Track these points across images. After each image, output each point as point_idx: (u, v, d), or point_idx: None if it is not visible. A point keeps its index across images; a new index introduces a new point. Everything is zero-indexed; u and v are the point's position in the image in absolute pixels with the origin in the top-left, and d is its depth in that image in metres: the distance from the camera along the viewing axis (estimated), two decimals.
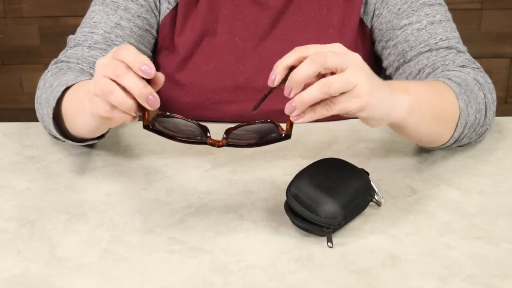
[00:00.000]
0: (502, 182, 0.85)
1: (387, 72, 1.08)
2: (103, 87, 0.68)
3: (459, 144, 0.93)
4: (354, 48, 1.08)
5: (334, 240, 0.72)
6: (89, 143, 0.94)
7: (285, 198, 0.75)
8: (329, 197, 0.72)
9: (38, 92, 0.98)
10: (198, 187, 0.85)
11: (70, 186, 0.87)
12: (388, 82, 0.80)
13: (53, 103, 0.88)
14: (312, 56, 0.68)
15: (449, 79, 0.90)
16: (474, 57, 1.02)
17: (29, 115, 3.07)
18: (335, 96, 0.69)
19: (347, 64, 0.69)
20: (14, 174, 0.91)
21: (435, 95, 0.85)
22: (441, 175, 0.87)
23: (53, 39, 2.54)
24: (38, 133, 1.06)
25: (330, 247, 0.71)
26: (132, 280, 0.66)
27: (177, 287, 0.65)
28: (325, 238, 0.72)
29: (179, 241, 0.73)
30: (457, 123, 0.87)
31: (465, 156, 0.93)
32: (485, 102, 0.91)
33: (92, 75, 0.99)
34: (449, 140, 0.89)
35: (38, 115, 1.00)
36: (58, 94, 0.87)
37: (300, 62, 0.69)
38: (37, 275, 0.67)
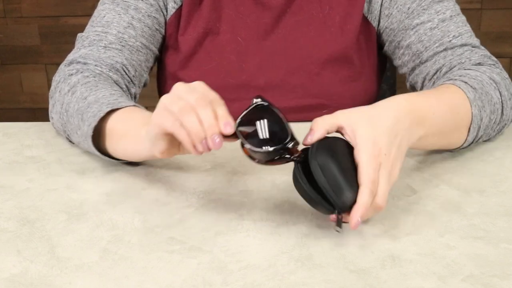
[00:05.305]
0: (502, 182, 0.85)
1: (401, 71, 1.09)
2: (182, 106, 0.71)
3: (476, 143, 0.95)
4: (356, 46, 1.09)
5: (333, 240, 0.72)
6: (124, 161, 0.92)
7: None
8: (352, 186, 0.69)
9: (60, 97, 0.96)
10: (198, 187, 0.85)
11: (70, 186, 0.87)
12: (411, 107, 0.78)
13: (93, 122, 0.87)
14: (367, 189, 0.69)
15: (465, 82, 0.91)
16: None
17: (29, 115, 3.08)
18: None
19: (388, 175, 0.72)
20: (14, 174, 0.91)
21: (449, 114, 0.85)
22: (441, 175, 0.87)
23: (52, 39, 2.54)
24: (38, 133, 1.06)
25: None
26: (132, 280, 0.66)
27: (176, 287, 0.65)
28: (324, 236, 0.72)
29: (178, 241, 0.73)
30: (469, 128, 0.89)
31: (465, 156, 0.93)
32: (501, 101, 0.93)
33: (112, 78, 1.00)
34: (463, 144, 0.91)
35: (57, 120, 0.98)
36: (102, 114, 0.87)
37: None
38: (36, 275, 0.67)
